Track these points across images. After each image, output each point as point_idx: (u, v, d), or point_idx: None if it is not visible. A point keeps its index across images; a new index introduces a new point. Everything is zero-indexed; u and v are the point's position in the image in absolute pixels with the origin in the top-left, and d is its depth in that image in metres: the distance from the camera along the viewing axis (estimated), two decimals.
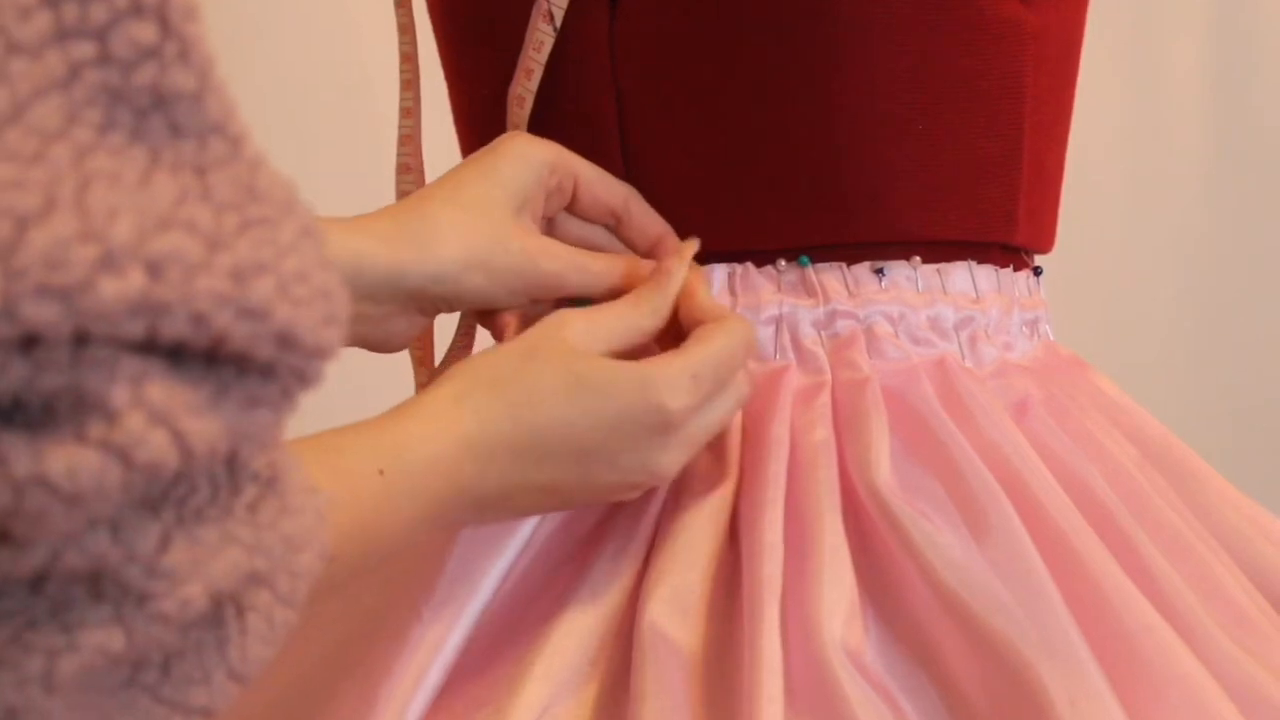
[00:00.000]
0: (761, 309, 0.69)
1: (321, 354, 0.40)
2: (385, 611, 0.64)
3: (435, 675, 0.61)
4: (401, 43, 0.77)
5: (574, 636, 0.61)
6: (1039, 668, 0.55)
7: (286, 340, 0.38)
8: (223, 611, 0.42)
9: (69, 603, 0.38)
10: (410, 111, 0.78)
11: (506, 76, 0.71)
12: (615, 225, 0.71)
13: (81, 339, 0.35)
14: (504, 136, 0.68)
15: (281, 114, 1.26)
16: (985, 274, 0.72)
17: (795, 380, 0.67)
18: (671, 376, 0.60)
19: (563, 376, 0.59)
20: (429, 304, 0.66)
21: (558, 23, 0.69)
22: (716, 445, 0.66)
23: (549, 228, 0.71)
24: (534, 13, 0.69)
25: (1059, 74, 0.75)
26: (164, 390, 0.36)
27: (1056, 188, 0.78)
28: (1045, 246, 0.77)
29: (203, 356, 0.37)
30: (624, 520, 0.65)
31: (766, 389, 0.67)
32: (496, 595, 0.64)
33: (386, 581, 0.66)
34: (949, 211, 0.70)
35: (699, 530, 0.63)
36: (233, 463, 0.40)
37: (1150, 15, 1.61)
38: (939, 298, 0.70)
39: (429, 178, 0.78)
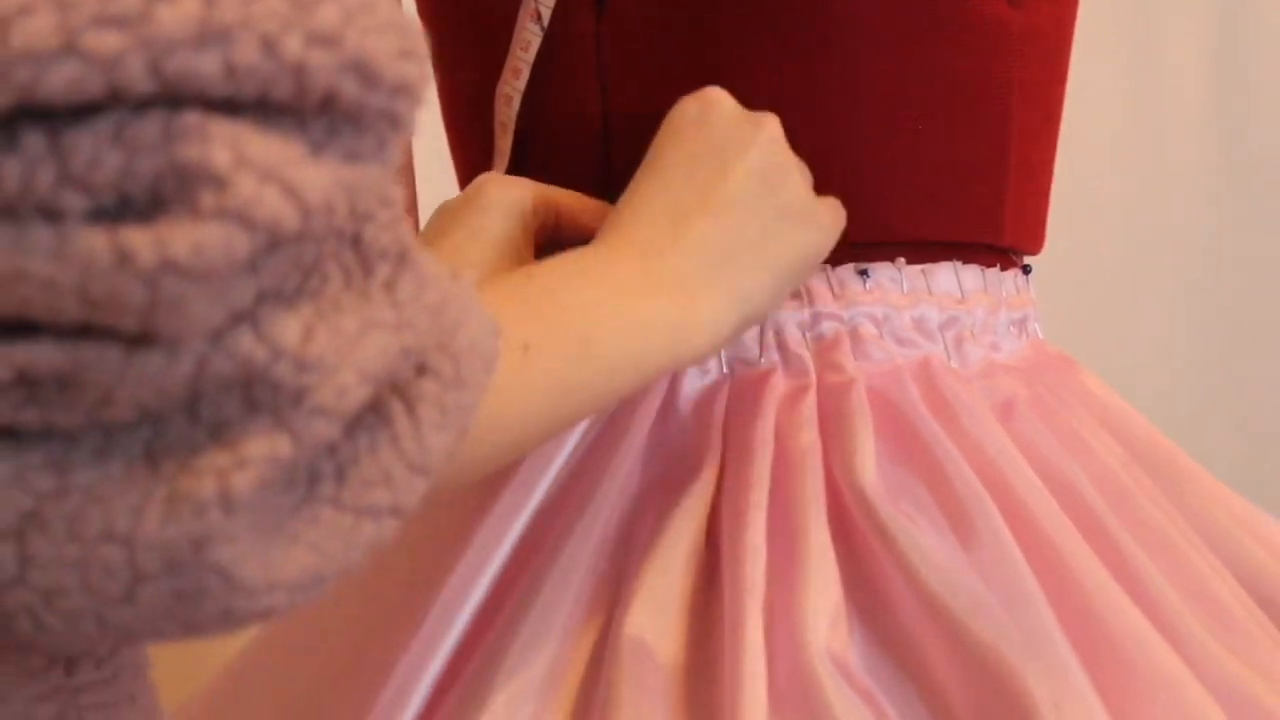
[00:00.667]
0: None
1: (407, 91, 0.39)
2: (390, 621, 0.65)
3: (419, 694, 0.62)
4: None
5: (543, 643, 0.61)
6: (1022, 672, 0.55)
7: (364, 71, 0.37)
8: (387, 405, 0.41)
9: (227, 421, 0.37)
10: None
11: (493, 72, 0.71)
12: None
13: (170, 99, 0.34)
14: (481, 184, 0.67)
15: None
16: (971, 274, 0.72)
17: (780, 383, 0.67)
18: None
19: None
20: None
21: (545, 22, 0.69)
22: (694, 448, 0.66)
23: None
24: (521, 12, 0.69)
25: (1047, 74, 0.75)
26: (263, 147, 0.36)
27: (1045, 188, 0.78)
28: (1033, 247, 0.77)
29: (290, 111, 0.37)
30: (586, 520, 0.65)
31: (751, 392, 0.67)
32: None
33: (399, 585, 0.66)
34: (935, 211, 0.70)
35: (675, 534, 0.63)
36: (359, 241, 0.40)
37: (1150, 15, 1.61)
38: (924, 298, 0.70)
39: (418, 176, 0.78)
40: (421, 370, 0.42)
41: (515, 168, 0.72)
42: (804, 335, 0.68)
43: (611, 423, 0.67)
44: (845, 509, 0.63)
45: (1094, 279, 1.56)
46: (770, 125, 0.63)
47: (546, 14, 0.69)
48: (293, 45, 0.36)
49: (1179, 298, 1.67)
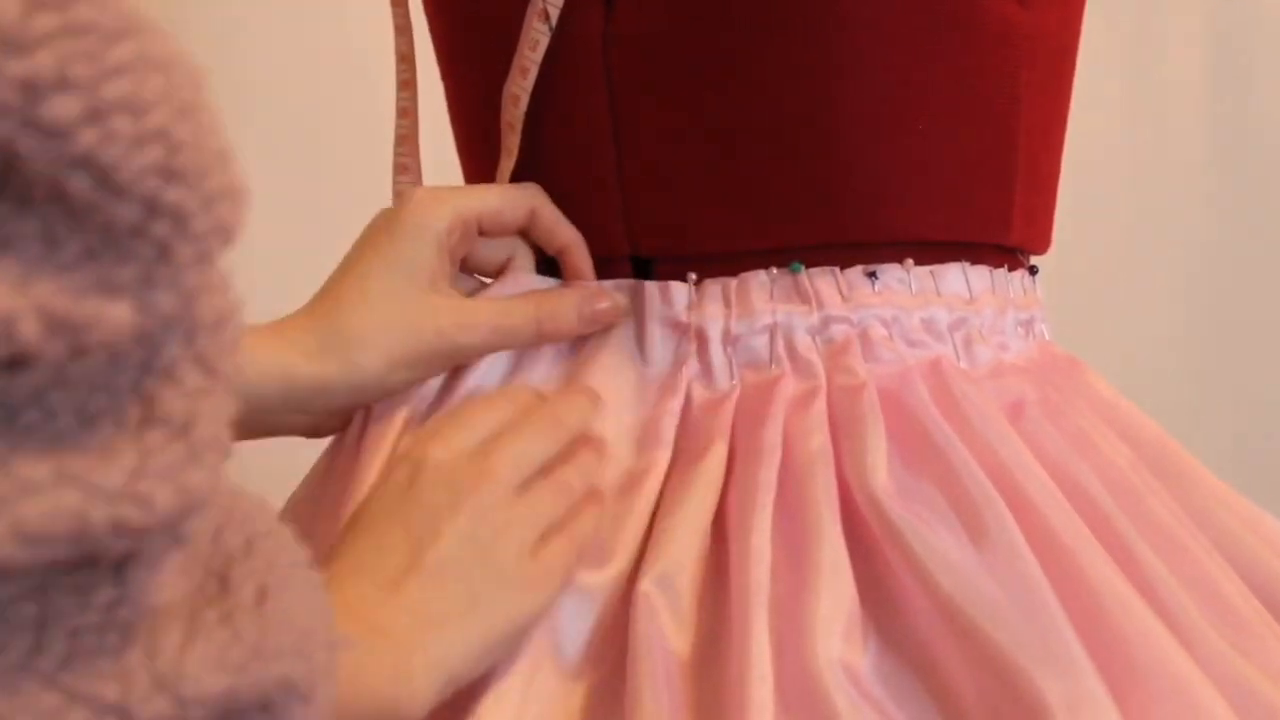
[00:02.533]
0: (756, 318, 0.68)
1: (169, 213, 0.34)
2: None
3: None
4: (398, 43, 0.78)
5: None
6: (1035, 675, 0.55)
7: (99, 173, 0.33)
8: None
9: None
10: (407, 111, 0.78)
11: (502, 75, 0.71)
12: (525, 232, 0.72)
13: None
14: (400, 205, 0.69)
15: (279, 114, 1.26)
16: (979, 275, 0.72)
17: (790, 388, 0.67)
18: (431, 425, 0.66)
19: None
20: (361, 403, 0.69)
21: (553, 22, 0.69)
22: (703, 452, 0.66)
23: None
24: (529, 11, 0.69)
25: (1055, 75, 0.75)
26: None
27: (1052, 188, 0.78)
28: (1041, 247, 0.77)
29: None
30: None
31: (760, 397, 0.67)
32: None
33: None
34: (943, 211, 0.70)
35: (684, 532, 0.63)
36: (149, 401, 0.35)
37: (1150, 16, 1.61)
38: (932, 300, 0.70)
39: (425, 177, 0.78)
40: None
41: (523, 168, 0.72)
42: (813, 339, 0.68)
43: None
44: (858, 512, 0.63)
45: (1092, 279, 1.56)
46: (485, 486, 0.61)
47: (555, 14, 0.69)
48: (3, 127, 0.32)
49: (1177, 298, 1.66)
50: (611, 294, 0.71)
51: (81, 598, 0.36)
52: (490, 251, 0.73)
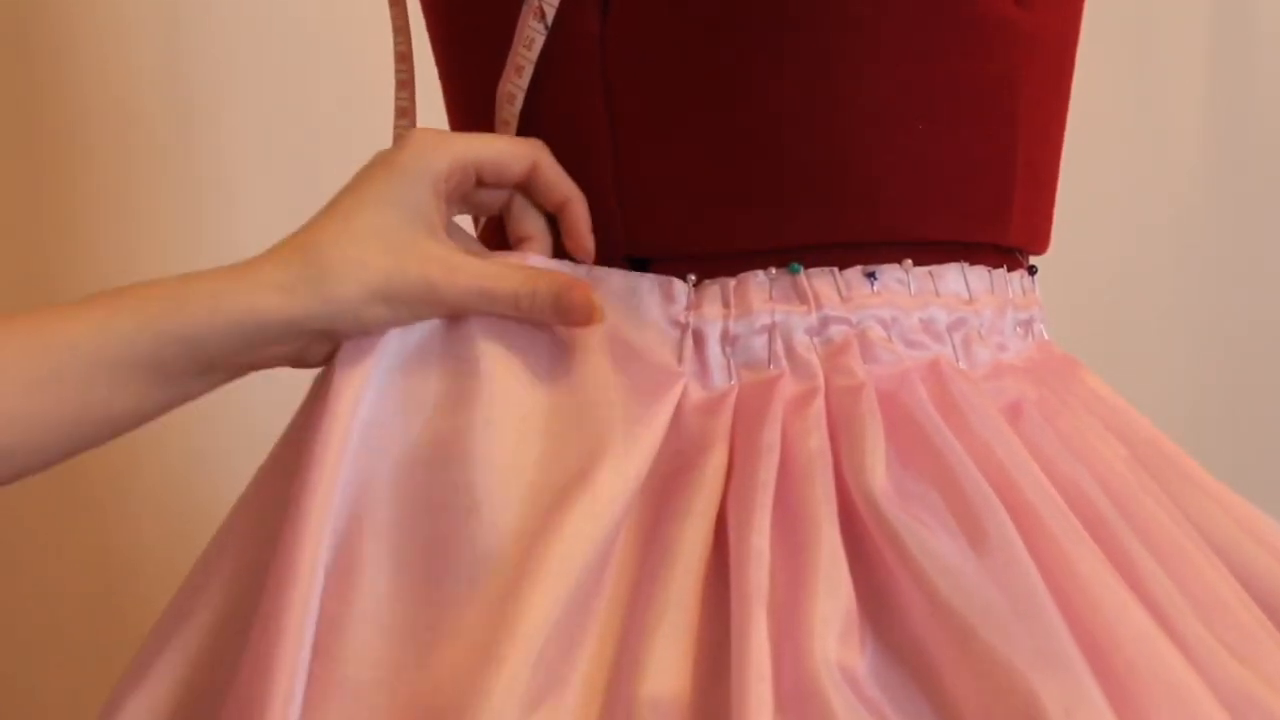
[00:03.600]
0: (754, 318, 0.68)
1: None
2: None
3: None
4: (396, 43, 0.78)
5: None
6: (1032, 679, 0.55)
7: None
8: None
9: None
10: (406, 111, 0.78)
11: (498, 74, 0.71)
12: (524, 188, 0.71)
13: None
14: (400, 146, 0.68)
15: (278, 114, 1.26)
16: (978, 275, 0.72)
17: (788, 388, 0.67)
18: None
19: None
20: (338, 334, 0.67)
21: (549, 20, 0.69)
22: (702, 454, 0.66)
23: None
24: (524, 9, 0.69)
25: (1053, 75, 0.74)
26: None
27: (1051, 188, 0.77)
28: (1039, 247, 0.77)
29: None
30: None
31: (758, 397, 0.67)
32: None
33: None
34: (942, 211, 0.70)
35: (687, 541, 0.63)
36: None
37: (1150, 15, 1.61)
38: (931, 300, 0.69)
39: None
40: None
41: None
42: (812, 340, 0.68)
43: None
44: (856, 513, 0.63)
45: (1091, 280, 1.56)
46: None
47: (551, 12, 0.69)
48: None
49: (1176, 298, 1.66)
50: (590, 291, 0.69)
51: None
52: (489, 197, 0.72)
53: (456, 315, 0.68)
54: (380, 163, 0.68)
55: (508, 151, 0.69)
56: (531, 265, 0.70)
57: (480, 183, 0.70)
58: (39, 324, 0.64)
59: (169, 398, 0.67)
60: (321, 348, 0.68)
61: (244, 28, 1.24)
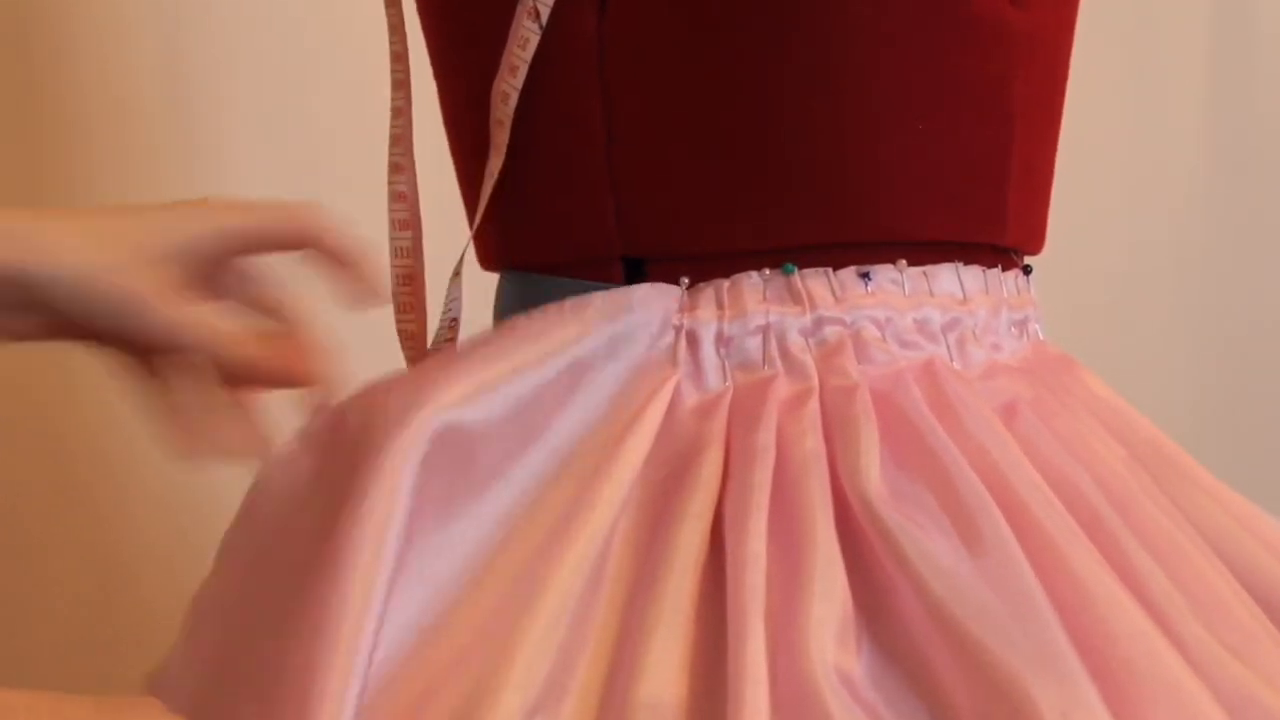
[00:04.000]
0: (748, 319, 0.68)
1: None
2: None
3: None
4: (392, 42, 0.78)
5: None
6: (1027, 681, 0.55)
7: None
8: None
9: None
10: (401, 111, 0.78)
11: (492, 73, 0.71)
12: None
13: None
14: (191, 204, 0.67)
15: (278, 114, 1.26)
16: (972, 275, 0.71)
17: (782, 389, 0.67)
18: None
19: None
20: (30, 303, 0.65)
21: (543, 20, 0.69)
22: (697, 457, 0.66)
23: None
24: (519, 9, 0.69)
25: (1049, 75, 0.75)
26: None
27: (1046, 188, 0.78)
28: (1035, 247, 0.77)
29: None
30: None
31: (753, 399, 0.67)
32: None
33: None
34: (937, 212, 0.70)
35: (682, 544, 0.63)
36: None
37: (1150, 16, 1.61)
38: (925, 300, 0.69)
39: (422, 176, 0.78)
40: None
41: (516, 167, 0.72)
42: (806, 341, 0.68)
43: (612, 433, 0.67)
44: (851, 515, 0.63)
45: (1090, 280, 1.56)
46: None
47: (545, 12, 0.69)
48: None
49: (1176, 299, 1.66)
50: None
51: None
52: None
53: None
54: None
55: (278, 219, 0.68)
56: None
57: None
58: None
59: None
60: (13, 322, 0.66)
61: (243, 28, 1.24)
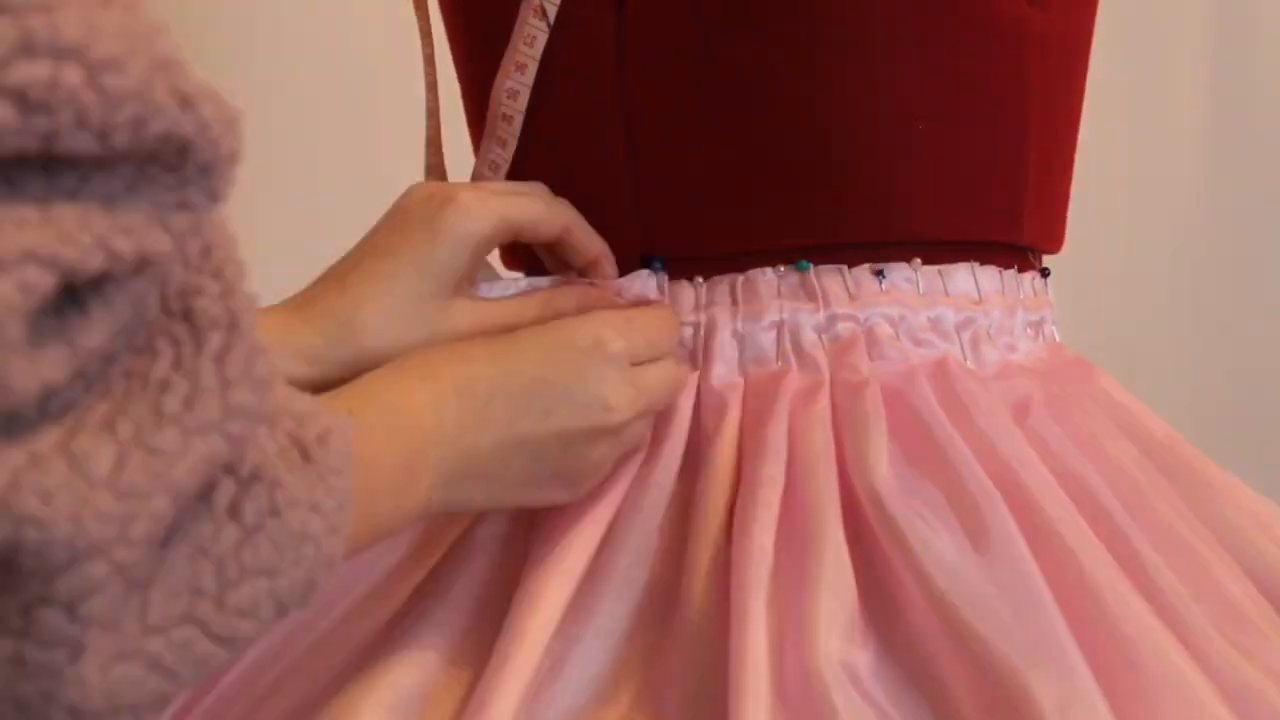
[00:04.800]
0: (763, 315, 0.69)
1: (218, 129, 0.38)
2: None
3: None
4: (422, 46, 0.78)
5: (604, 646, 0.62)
6: (1027, 675, 0.55)
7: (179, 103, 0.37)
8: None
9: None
10: (434, 113, 0.79)
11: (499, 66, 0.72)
12: (555, 247, 0.71)
13: None
14: (445, 210, 0.66)
15: (277, 115, 1.27)
16: (988, 275, 0.72)
17: (794, 383, 0.67)
18: (609, 315, 0.65)
19: (497, 334, 0.64)
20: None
21: (551, 18, 0.69)
22: (713, 451, 0.66)
23: None
24: (523, 6, 0.70)
25: (1066, 75, 0.74)
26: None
27: (1065, 188, 0.77)
28: (1053, 247, 0.77)
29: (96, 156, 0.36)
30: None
31: (765, 392, 0.67)
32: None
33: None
34: (953, 211, 0.70)
35: (695, 540, 0.63)
36: (190, 314, 0.40)
37: (1152, 16, 1.60)
38: (940, 299, 0.70)
39: (451, 178, 0.79)
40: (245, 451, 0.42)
41: (536, 167, 0.72)
42: (820, 337, 0.68)
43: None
44: (859, 509, 0.63)
45: (1092, 279, 1.55)
46: (624, 433, 0.64)
47: (552, 10, 0.69)
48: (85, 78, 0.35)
49: (1178, 298, 1.65)
50: (609, 293, 0.70)
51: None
52: None
53: None
54: (422, 223, 0.66)
55: (544, 215, 0.69)
56: (538, 290, 0.71)
57: (516, 241, 0.71)
58: None
59: None
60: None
61: (243, 28, 1.25)
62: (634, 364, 0.64)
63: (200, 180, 0.39)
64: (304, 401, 0.48)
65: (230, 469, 0.42)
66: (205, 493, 0.42)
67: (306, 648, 0.68)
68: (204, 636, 0.42)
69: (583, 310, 0.69)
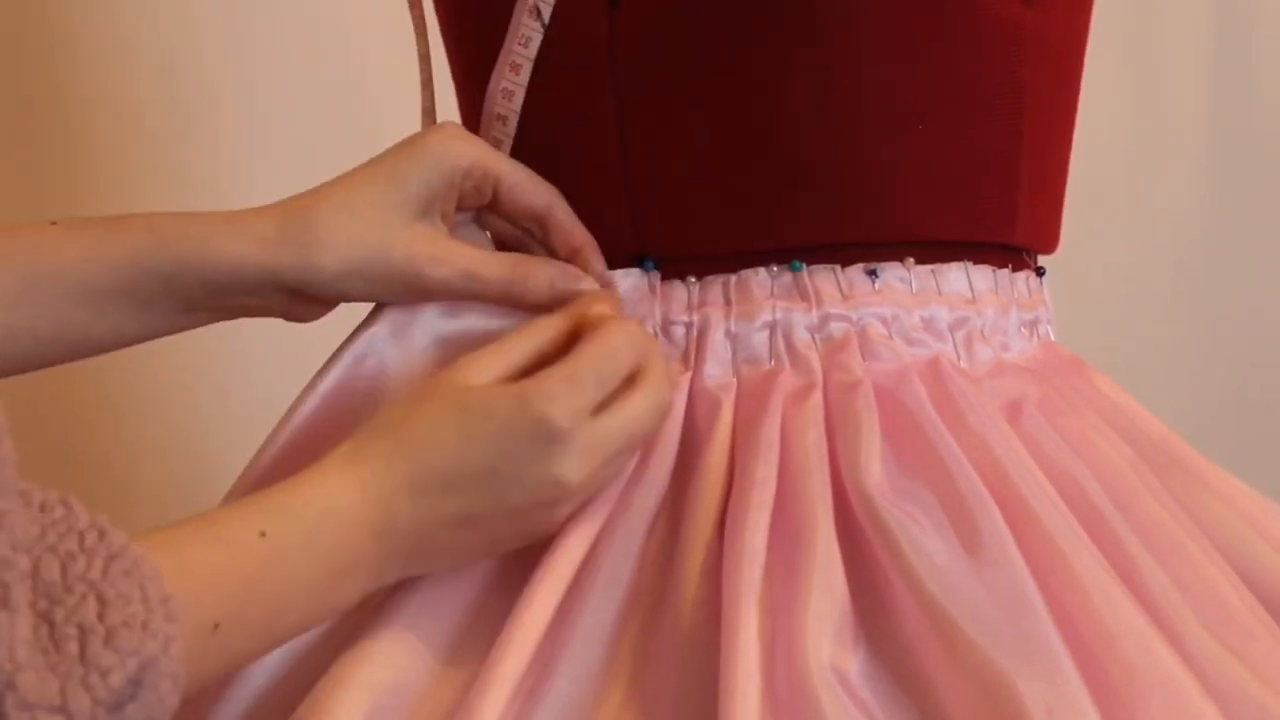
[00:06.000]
0: (756, 316, 0.68)
1: None
2: None
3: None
4: (417, 44, 0.78)
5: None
6: (1015, 678, 0.55)
7: None
8: None
9: None
10: (429, 111, 0.78)
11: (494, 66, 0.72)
12: (539, 230, 0.71)
13: None
14: (430, 130, 0.69)
15: (275, 115, 1.26)
16: (982, 274, 0.71)
17: (787, 383, 0.67)
18: (547, 386, 0.61)
19: (449, 409, 0.61)
20: (319, 299, 0.69)
21: (545, 18, 0.69)
22: (706, 451, 0.66)
23: (480, 221, 0.73)
24: (518, 7, 0.69)
25: (1061, 74, 0.74)
26: None
27: (1060, 188, 0.77)
28: (1048, 247, 0.77)
29: None
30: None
31: (758, 392, 0.67)
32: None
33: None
34: (947, 211, 0.70)
35: (688, 542, 0.63)
36: None
37: (1151, 15, 1.61)
38: (933, 299, 0.69)
39: None
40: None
41: (517, 160, 0.72)
42: (813, 337, 0.68)
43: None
44: (850, 509, 0.63)
45: (1091, 279, 1.56)
46: (571, 503, 0.63)
47: (547, 11, 0.69)
48: None
49: (1178, 298, 1.66)
50: (587, 279, 0.70)
51: None
52: (498, 226, 0.73)
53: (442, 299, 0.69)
54: (406, 141, 0.68)
55: (529, 179, 0.70)
56: (528, 256, 0.71)
57: (495, 205, 0.71)
58: (33, 241, 0.65)
59: (150, 328, 0.68)
60: (307, 309, 0.70)
61: (242, 29, 1.24)
62: (593, 415, 0.62)
63: None
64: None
65: None
66: None
67: (303, 645, 0.67)
68: None
69: (553, 292, 0.69)
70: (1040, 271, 0.77)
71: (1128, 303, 1.64)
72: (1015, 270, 0.74)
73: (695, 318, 0.69)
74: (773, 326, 0.68)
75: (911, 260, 0.69)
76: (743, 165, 0.68)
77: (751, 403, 0.67)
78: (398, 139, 0.70)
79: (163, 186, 1.22)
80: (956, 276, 0.70)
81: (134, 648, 0.47)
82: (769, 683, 0.57)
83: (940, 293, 0.70)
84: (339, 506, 0.58)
